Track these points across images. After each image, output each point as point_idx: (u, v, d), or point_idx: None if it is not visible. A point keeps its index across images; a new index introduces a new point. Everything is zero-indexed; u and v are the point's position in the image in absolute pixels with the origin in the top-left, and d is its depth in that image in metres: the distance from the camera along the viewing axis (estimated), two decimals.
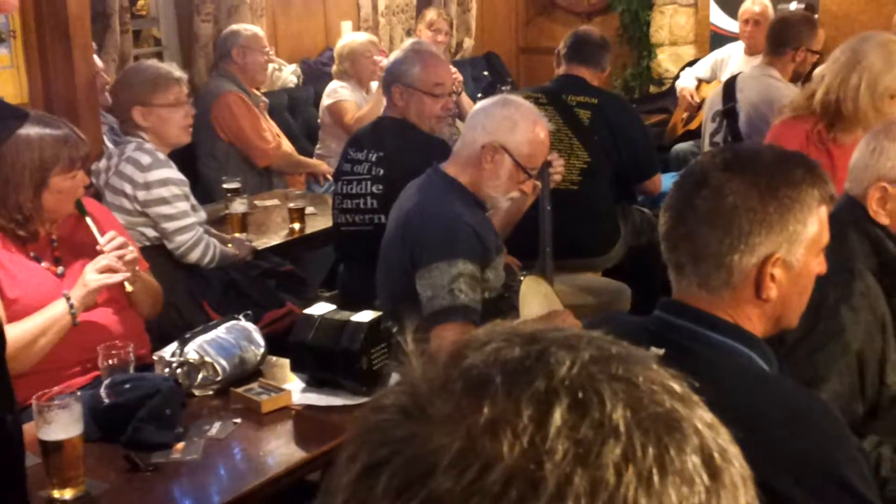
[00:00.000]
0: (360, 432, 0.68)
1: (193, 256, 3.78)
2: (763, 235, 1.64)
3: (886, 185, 2.35)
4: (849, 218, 2.40)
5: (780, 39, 4.77)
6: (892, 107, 3.53)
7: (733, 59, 6.47)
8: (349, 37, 6.11)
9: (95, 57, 4.44)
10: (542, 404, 0.62)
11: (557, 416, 0.62)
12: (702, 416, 0.66)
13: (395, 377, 2.77)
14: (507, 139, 3.14)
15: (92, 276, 2.92)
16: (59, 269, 3.02)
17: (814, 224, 1.68)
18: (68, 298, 2.88)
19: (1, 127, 1.83)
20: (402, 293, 3.09)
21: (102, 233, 3.05)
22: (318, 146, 5.94)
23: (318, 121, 5.99)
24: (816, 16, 6.88)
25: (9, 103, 2.07)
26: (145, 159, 3.70)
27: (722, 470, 0.64)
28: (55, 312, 2.87)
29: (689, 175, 1.72)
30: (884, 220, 2.36)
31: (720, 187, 1.65)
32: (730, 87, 5.02)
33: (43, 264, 3.00)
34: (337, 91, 5.82)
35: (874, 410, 2.29)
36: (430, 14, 7.01)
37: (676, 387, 0.67)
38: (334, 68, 5.97)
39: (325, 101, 5.86)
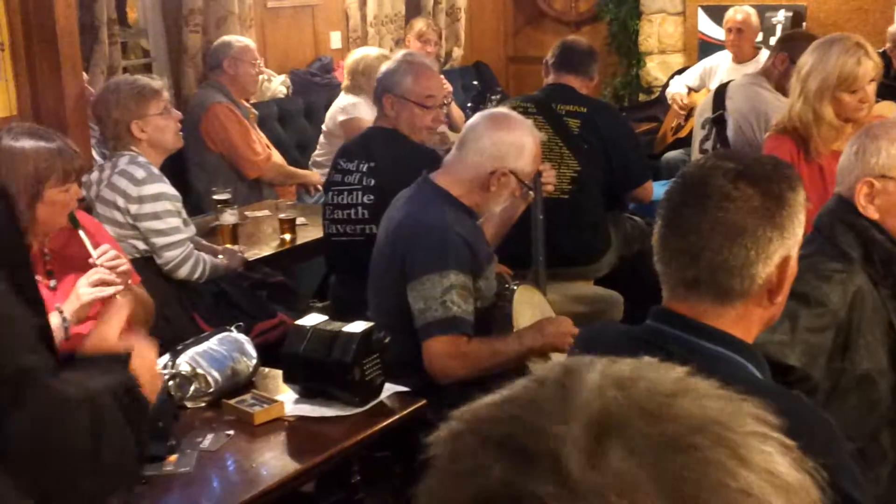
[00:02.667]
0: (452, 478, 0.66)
1: (183, 272, 3.77)
2: (779, 241, 1.66)
3: (872, 179, 2.37)
4: (835, 213, 2.44)
5: (781, 48, 4.80)
6: (830, 109, 3.50)
7: (721, 68, 6.50)
8: (361, 52, 5.96)
9: None
10: None
11: None
12: None
13: (388, 388, 2.77)
14: (515, 164, 3.17)
15: (85, 289, 2.91)
16: (52, 283, 3.01)
17: (803, 224, 1.72)
18: (61, 312, 2.86)
19: None
20: (393, 304, 3.09)
21: (95, 246, 3.04)
22: (318, 152, 5.87)
23: (323, 127, 5.85)
24: (804, 24, 6.91)
25: None
26: (140, 173, 3.70)
27: None
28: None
29: (692, 187, 1.69)
30: (873, 214, 2.38)
31: (736, 198, 1.64)
32: (720, 94, 5.03)
33: (36, 278, 2.99)
34: (356, 106, 5.65)
35: (833, 395, 2.31)
36: (419, 24, 7.00)
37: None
38: (345, 83, 5.86)
39: (341, 115, 5.69)
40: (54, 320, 2.85)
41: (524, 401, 0.68)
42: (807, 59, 3.58)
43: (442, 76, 4.62)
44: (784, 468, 0.65)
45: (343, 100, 5.77)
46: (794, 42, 4.68)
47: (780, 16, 7.13)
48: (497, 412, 0.68)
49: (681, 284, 1.69)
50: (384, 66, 4.19)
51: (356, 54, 5.92)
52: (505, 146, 3.17)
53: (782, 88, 4.72)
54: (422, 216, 3.11)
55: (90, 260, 2.97)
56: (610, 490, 0.61)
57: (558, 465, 0.62)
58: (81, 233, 3.03)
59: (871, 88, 3.53)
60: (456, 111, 6.43)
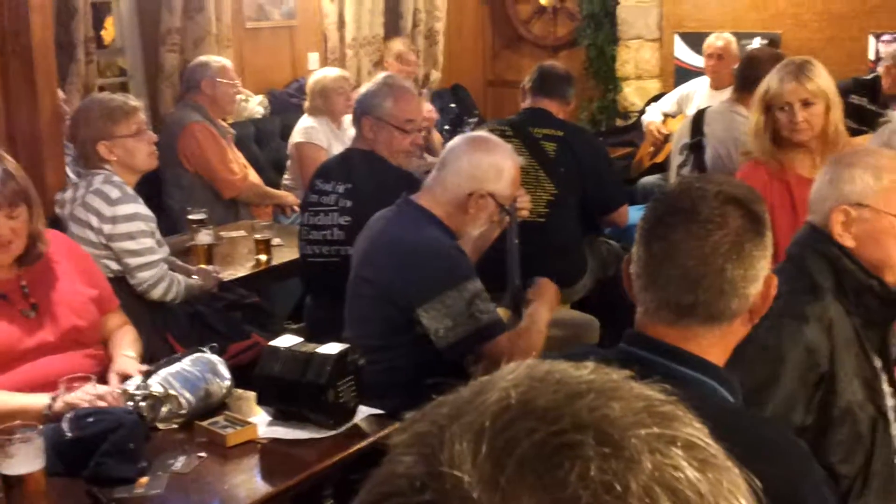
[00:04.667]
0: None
1: (156, 293, 3.74)
2: (764, 260, 1.70)
3: (848, 207, 2.38)
4: (807, 241, 2.44)
5: (749, 77, 4.78)
6: (762, 119, 3.66)
7: (699, 94, 6.53)
8: (320, 73, 5.99)
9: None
10: None
11: None
12: None
13: (362, 411, 2.75)
14: (494, 186, 3.18)
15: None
16: (31, 314, 2.96)
17: None
18: (54, 399, 2.72)
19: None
20: (371, 325, 3.09)
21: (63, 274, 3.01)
22: (285, 176, 5.91)
23: (288, 152, 5.94)
24: (779, 50, 6.96)
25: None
26: (114, 193, 3.68)
27: None
28: (34, 403, 2.73)
29: (681, 211, 1.69)
30: (849, 242, 2.38)
31: (728, 220, 1.67)
32: (698, 120, 5.06)
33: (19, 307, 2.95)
34: (309, 132, 5.69)
35: (823, 428, 2.31)
36: (398, 45, 7.01)
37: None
38: (306, 104, 5.89)
39: (296, 137, 5.74)
40: (42, 401, 2.73)
41: (449, 404, 0.68)
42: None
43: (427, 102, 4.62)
44: (687, 473, 0.63)
45: (303, 122, 5.78)
46: (766, 67, 4.69)
47: (756, 43, 7.17)
48: (423, 416, 0.69)
49: (672, 308, 1.69)
50: (364, 88, 4.19)
51: (316, 75, 5.94)
52: (483, 168, 3.18)
53: None
54: (413, 237, 3.11)
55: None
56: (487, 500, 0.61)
57: (445, 478, 0.62)
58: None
59: (811, 112, 3.58)
60: (436, 136, 6.44)
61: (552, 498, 0.60)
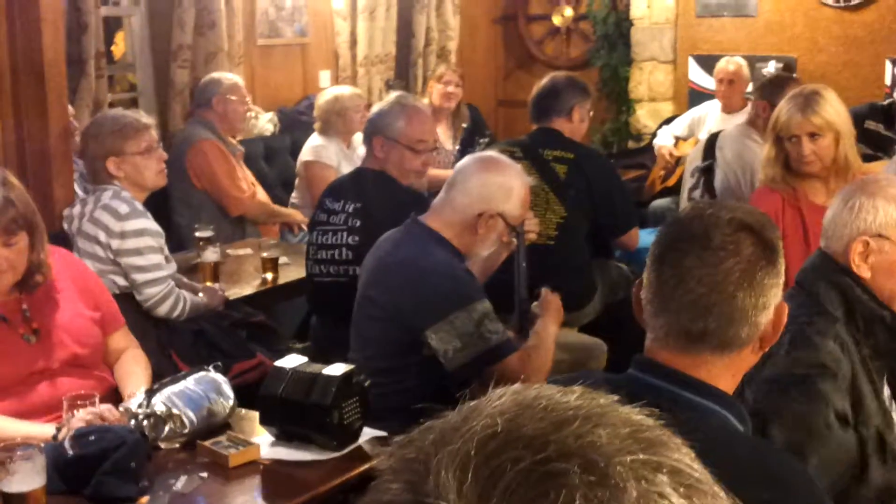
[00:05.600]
0: None
1: (163, 310, 3.72)
2: (776, 288, 1.68)
3: (868, 238, 2.36)
4: (819, 270, 2.43)
5: (760, 95, 4.84)
6: (773, 149, 3.69)
7: (711, 117, 6.52)
8: (333, 91, 5.96)
9: None
10: None
11: None
12: None
13: (367, 432, 2.73)
14: (503, 206, 3.17)
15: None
16: (32, 339, 2.93)
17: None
18: (59, 430, 2.66)
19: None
20: (377, 347, 3.06)
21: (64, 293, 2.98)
22: (293, 195, 5.89)
23: (296, 170, 5.92)
24: (795, 75, 6.95)
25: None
26: (123, 208, 3.66)
27: None
28: (40, 433, 2.67)
29: (694, 238, 1.68)
30: (866, 273, 2.37)
31: (741, 248, 1.66)
32: (711, 144, 5.05)
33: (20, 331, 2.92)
34: (318, 150, 5.67)
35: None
36: (440, 68, 7.01)
37: None
38: (317, 125, 5.87)
39: (305, 156, 5.72)
40: (48, 431, 2.70)
41: (436, 430, 0.69)
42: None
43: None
44: (672, 499, 0.63)
45: (313, 140, 5.75)
46: (772, 87, 4.73)
47: (771, 67, 7.17)
48: (410, 441, 0.69)
49: (682, 335, 1.68)
50: (376, 108, 4.18)
51: (328, 95, 5.89)
52: (493, 188, 3.16)
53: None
54: (420, 259, 3.10)
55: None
56: None
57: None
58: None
59: (818, 145, 3.58)
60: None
61: None
